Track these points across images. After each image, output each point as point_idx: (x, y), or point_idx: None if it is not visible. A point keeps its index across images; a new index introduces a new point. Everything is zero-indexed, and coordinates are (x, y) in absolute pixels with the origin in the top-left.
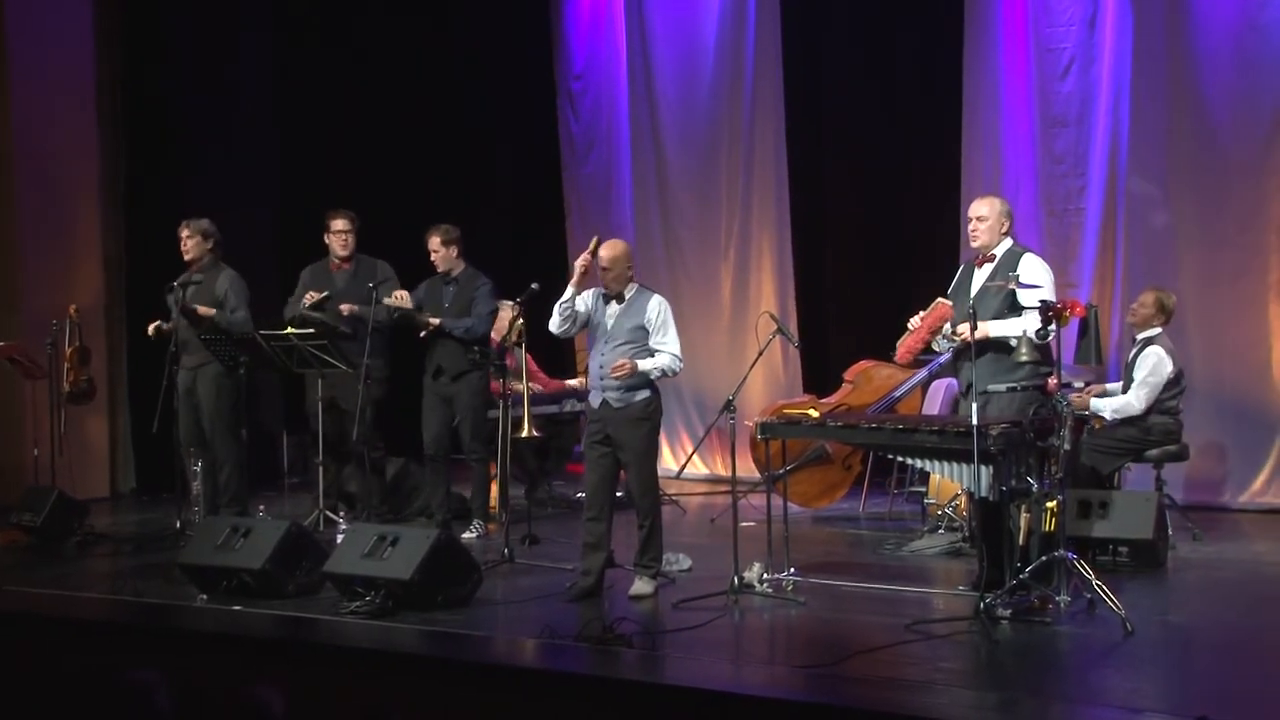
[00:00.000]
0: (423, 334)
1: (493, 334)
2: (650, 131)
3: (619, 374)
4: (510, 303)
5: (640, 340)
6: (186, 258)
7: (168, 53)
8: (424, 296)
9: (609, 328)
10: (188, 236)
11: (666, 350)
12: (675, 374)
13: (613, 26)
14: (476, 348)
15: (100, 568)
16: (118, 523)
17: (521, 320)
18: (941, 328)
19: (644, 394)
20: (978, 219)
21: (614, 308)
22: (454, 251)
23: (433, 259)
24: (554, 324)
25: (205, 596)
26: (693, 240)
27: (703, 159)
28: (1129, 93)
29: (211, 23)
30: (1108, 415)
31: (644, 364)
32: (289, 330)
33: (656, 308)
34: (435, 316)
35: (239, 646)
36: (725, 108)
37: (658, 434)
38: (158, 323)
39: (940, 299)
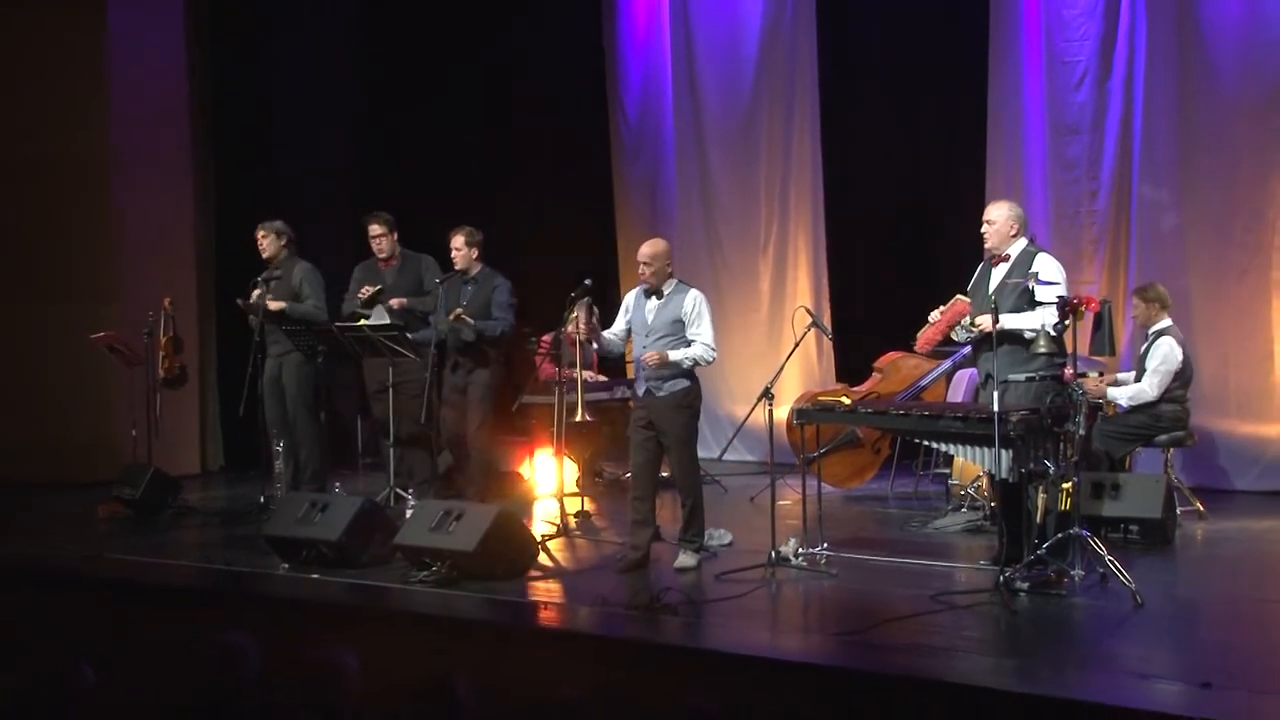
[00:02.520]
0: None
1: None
2: (694, 137)
3: (651, 363)
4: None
5: (678, 333)
6: (264, 256)
7: (253, 71)
8: (442, 294)
9: (649, 322)
10: (263, 237)
11: (700, 340)
12: (708, 363)
13: (661, 41)
14: (533, 338)
15: (192, 538)
16: (207, 497)
17: (577, 313)
18: (959, 322)
19: (683, 383)
20: (987, 223)
21: (653, 302)
22: (475, 253)
23: (453, 256)
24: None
25: (287, 565)
26: (733, 238)
27: (743, 162)
28: (1141, 103)
29: (291, 48)
30: (1124, 402)
31: (675, 354)
32: (362, 322)
33: (693, 301)
34: (455, 310)
35: (317, 611)
36: (765, 116)
37: (697, 420)
38: (253, 296)
39: (958, 296)
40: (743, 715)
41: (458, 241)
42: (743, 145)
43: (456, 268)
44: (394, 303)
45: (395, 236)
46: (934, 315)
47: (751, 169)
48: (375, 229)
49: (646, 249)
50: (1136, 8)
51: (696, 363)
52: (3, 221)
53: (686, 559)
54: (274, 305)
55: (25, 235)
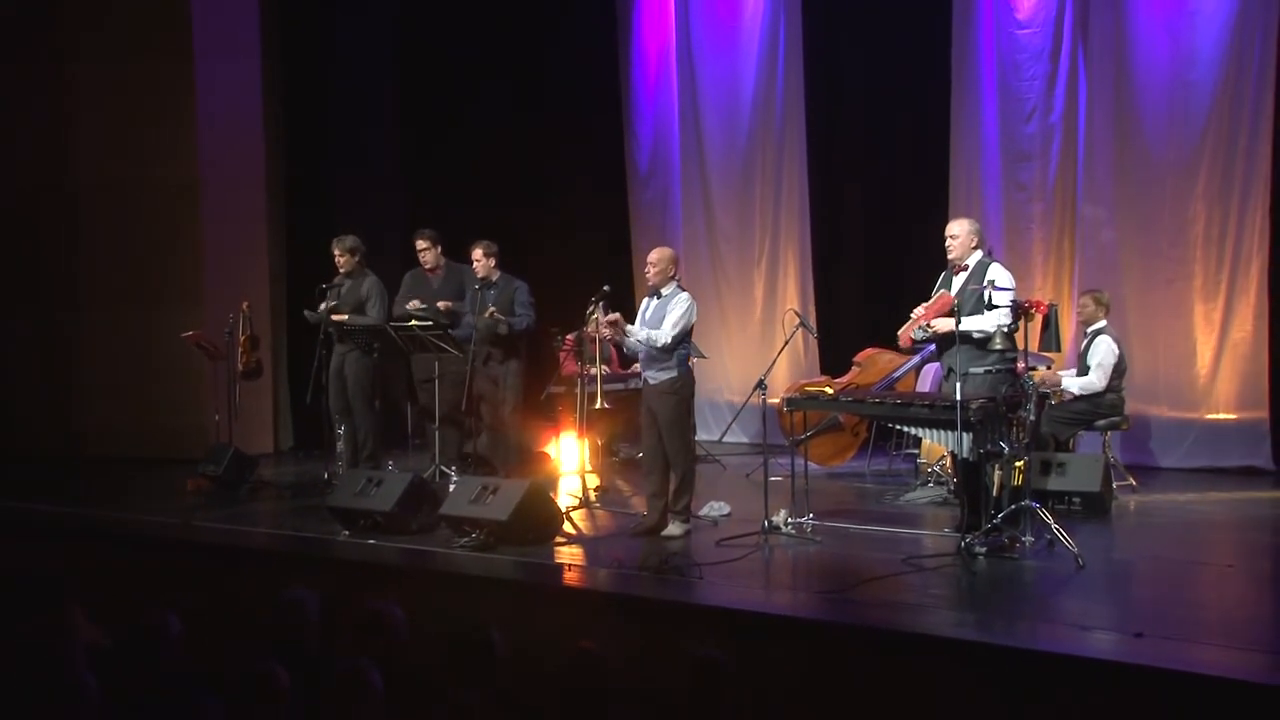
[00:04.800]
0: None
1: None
2: (698, 166)
3: (607, 324)
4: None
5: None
6: (341, 271)
7: (317, 107)
8: (466, 299)
9: (646, 318)
10: (340, 254)
11: (662, 327)
12: (655, 345)
13: (669, 83)
14: (559, 336)
15: (266, 509)
16: (279, 473)
17: (598, 315)
18: (946, 312)
19: (671, 373)
20: (951, 236)
21: (654, 302)
22: (493, 262)
23: (475, 266)
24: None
25: (347, 532)
26: (732, 252)
27: (740, 187)
28: (1083, 135)
29: (350, 90)
30: (1076, 390)
31: (631, 327)
32: (413, 322)
33: (677, 300)
34: (489, 310)
35: (373, 571)
36: (759, 146)
37: (686, 405)
38: (310, 315)
39: (943, 291)
40: (743, 663)
41: (477, 253)
42: (740, 173)
43: (479, 276)
44: (441, 305)
45: (439, 250)
46: (918, 311)
47: (747, 193)
48: (421, 244)
49: (654, 253)
50: (1078, 53)
51: (645, 341)
52: (110, 236)
53: (674, 528)
54: (337, 318)
55: (129, 248)
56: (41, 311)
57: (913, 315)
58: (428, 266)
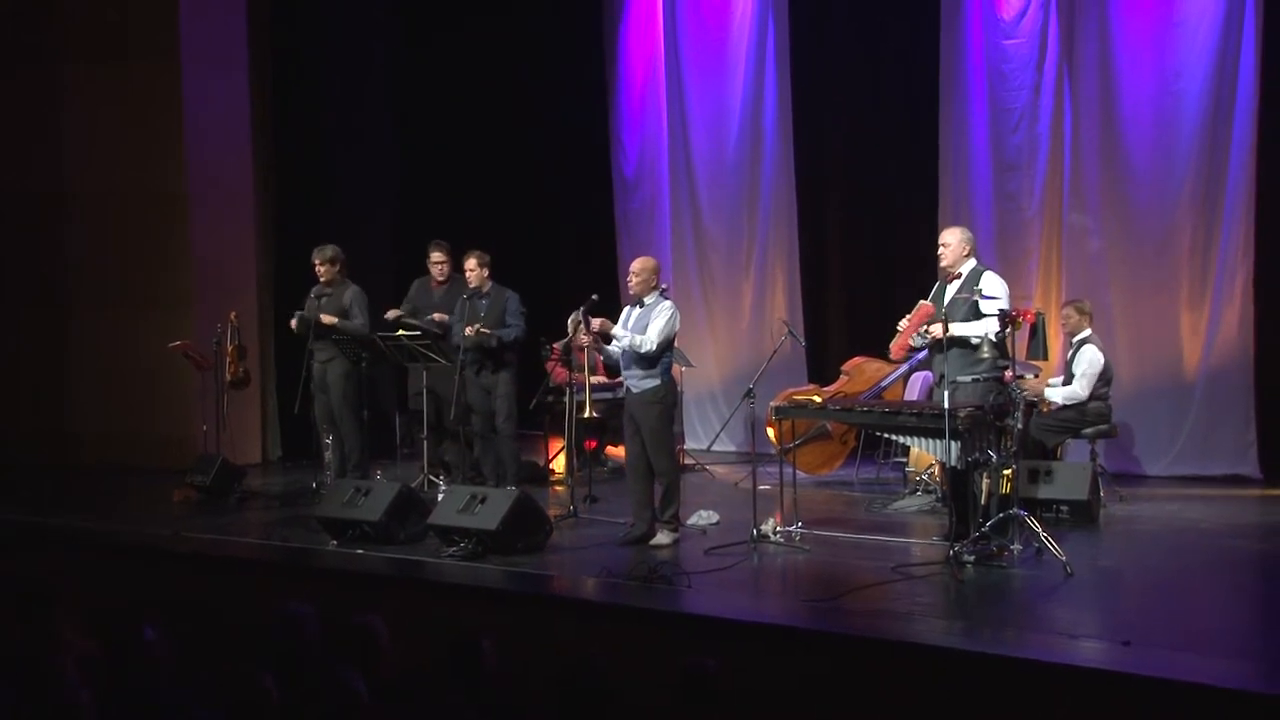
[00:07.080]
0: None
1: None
2: (686, 173)
3: (594, 327)
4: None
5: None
6: (321, 280)
7: (307, 117)
8: (456, 308)
9: (628, 326)
10: (320, 264)
11: (647, 334)
12: (639, 350)
13: (656, 90)
14: (547, 345)
15: (254, 518)
16: (267, 483)
17: (583, 323)
18: (926, 323)
19: (654, 382)
20: (943, 244)
21: (638, 310)
22: (485, 272)
23: (468, 276)
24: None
25: (335, 542)
26: (720, 260)
27: (728, 195)
28: (1069, 144)
29: (340, 97)
30: (1059, 400)
31: (616, 329)
32: (400, 332)
33: (660, 308)
34: (472, 326)
35: (361, 581)
36: (747, 154)
37: (670, 414)
38: (298, 314)
39: (922, 301)
40: (732, 672)
41: (470, 263)
42: (728, 180)
43: (470, 286)
44: (436, 317)
45: (451, 265)
46: (902, 323)
47: (735, 200)
48: (437, 255)
49: (636, 263)
50: (1064, 63)
51: (629, 345)
52: (98, 245)
53: (662, 537)
54: (327, 320)
55: (117, 257)
56: (28, 319)
57: (899, 328)
58: (440, 279)
